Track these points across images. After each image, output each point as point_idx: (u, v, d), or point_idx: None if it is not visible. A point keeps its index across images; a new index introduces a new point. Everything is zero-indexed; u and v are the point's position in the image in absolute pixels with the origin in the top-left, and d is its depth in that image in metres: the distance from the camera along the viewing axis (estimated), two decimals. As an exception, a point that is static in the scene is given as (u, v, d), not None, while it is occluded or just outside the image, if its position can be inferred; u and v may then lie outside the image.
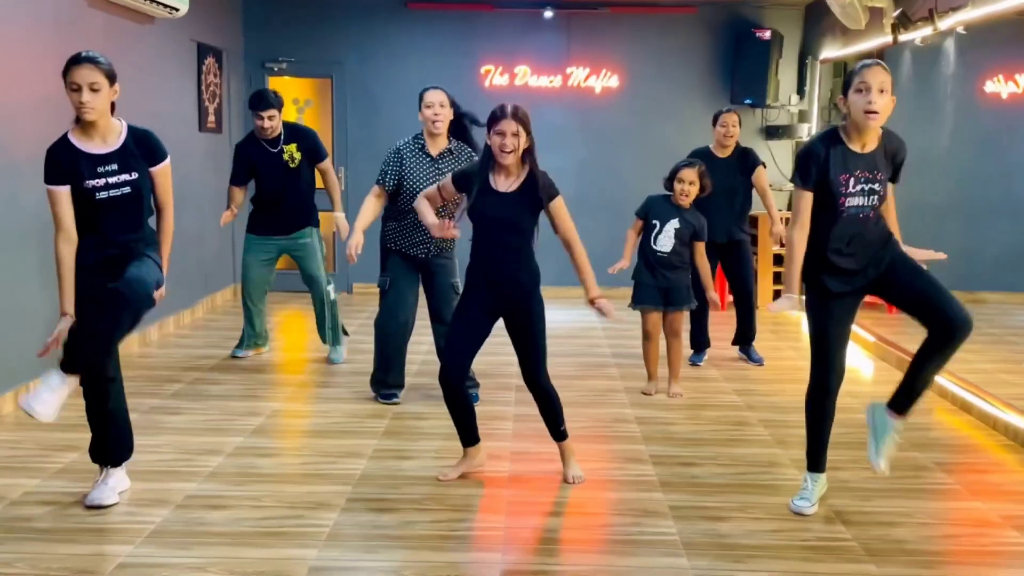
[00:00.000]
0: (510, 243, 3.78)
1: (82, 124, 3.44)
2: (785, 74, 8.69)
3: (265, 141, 5.79)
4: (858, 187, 3.47)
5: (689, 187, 5.13)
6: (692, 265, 5.30)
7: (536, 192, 3.75)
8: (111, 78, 3.43)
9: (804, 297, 3.65)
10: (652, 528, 3.55)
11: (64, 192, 3.42)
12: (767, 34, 8.39)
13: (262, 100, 5.71)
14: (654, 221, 5.18)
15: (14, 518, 3.55)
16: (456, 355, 3.85)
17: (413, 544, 3.39)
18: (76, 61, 3.37)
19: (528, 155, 3.75)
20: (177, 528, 3.48)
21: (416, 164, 4.90)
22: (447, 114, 4.85)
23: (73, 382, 3.42)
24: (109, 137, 3.48)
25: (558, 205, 3.81)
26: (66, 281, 3.45)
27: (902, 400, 3.63)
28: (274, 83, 8.65)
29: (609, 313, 3.84)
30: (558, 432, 3.99)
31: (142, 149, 3.52)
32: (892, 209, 3.68)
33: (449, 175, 3.98)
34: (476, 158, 4.83)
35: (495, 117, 3.70)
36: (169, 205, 3.64)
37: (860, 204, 3.49)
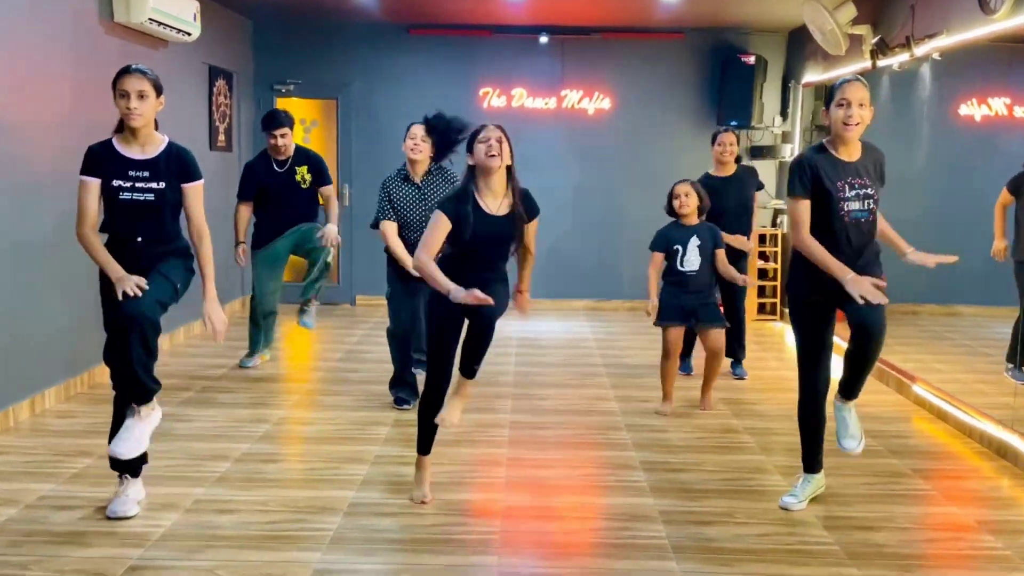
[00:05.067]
0: (496, 261, 3.65)
1: (125, 131, 3.46)
2: (769, 97, 8.70)
3: (275, 161, 5.81)
4: (853, 192, 3.51)
5: (686, 199, 5.10)
6: (719, 281, 5.27)
7: (526, 210, 3.63)
8: (158, 89, 3.47)
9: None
10: (642, 532, 3.54)
11: (94, 184, 3.43)
12: (752, 59, 8.40)
13: (274, 120, 5.79)
14: (675, 247, 5.11)
15: (29, 521, 3.52)
16: (443, 386, 3.74)
17: (413, 547, 3.37)
18: (126, 71, 3.41)
19: (511, 173, 3.62)
20: (186, 532, 3.46)
21: (402, 193, 5.05)
22: (426, 148, 4.98)
23: (148, 412, 3.50)
24: (148, 147, 3.49)
25: (535, 224, 3.71)
26: (102, 254, 3.41)
27: (848, 390, 3.72)
28: (282, 104, 8.63)
29: (524, 309, 3.81)
30: (471, 369, 3.65)
31: (177, 165, 3.51)
32: (886, 223, 3.68)
33: (438, 214, 3.52)
34: (457, 178, 4.82)
35: (476, 131, 3.57)
36: (205, 229, 3.58)
37: (859, 208, 3.51)
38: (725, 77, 8.54)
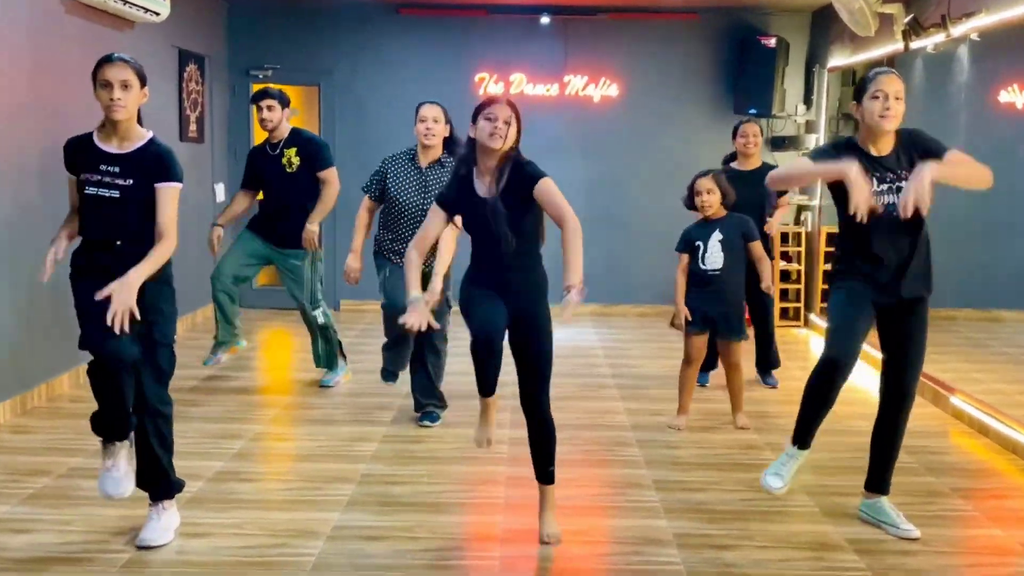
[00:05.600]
0: (507, 253, 3.49)
1: (107, 124, 3.47)
2: (791, 83, 8.72)
3: (270, 144, 5.81)
4: (885, 186, 3.56)
5: (708, 196, 5.07)
6: (747, 292, 5.26)
7: (520, 183, 3.43)
8: (142, 80, 3.49)
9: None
10: (655, 557, 3.53)
11: (72, 180, 3.54)
12: (772, 41, 8.42)
13: (261, 90, 5.81)
14: (697, 243, 5.11)
15: (-18, 547, 3.52)
16: (490, 321, 3.46)
17: (403, 575, 3.36)
18: (108, 59, 3.43)
19: (513, 152, 3.48)
20: (155, 557, 3.44)
21: (402, 173, 5.05)
22: (440, 130, 4.98)
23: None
24: (126, 141, 3.49)
25: (544, 187, 3.41)
26: (65, 227, 3.61)
27: (878, 481, 3.87)
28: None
29: (570, 306, 3.24)
30: (546, 473, 3.63)
31: (153, 163, 3.47)
32: (962, 164, 3.54)
33: (433, 204, 3.62)
34: None
35: (485, 103, 3.46)
36: (167, 232, 3.43)
37: (892, 201, 3.52)
38: (743, 61, 8.56)
